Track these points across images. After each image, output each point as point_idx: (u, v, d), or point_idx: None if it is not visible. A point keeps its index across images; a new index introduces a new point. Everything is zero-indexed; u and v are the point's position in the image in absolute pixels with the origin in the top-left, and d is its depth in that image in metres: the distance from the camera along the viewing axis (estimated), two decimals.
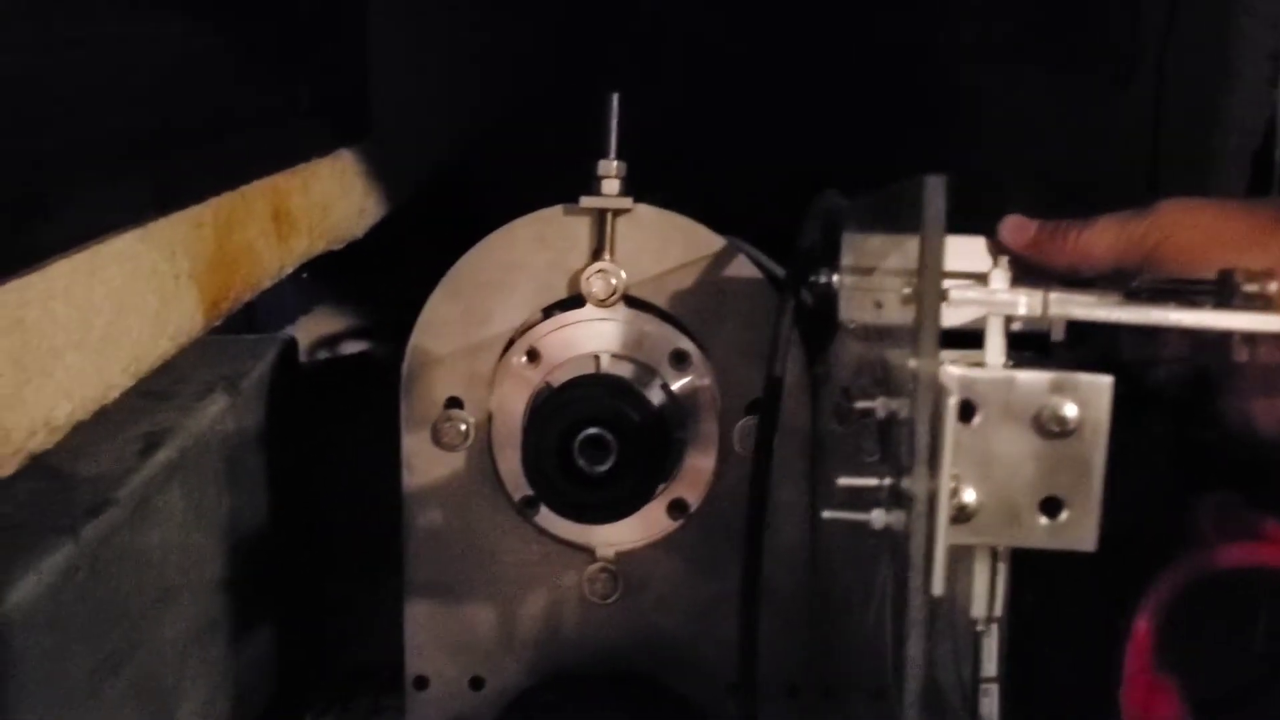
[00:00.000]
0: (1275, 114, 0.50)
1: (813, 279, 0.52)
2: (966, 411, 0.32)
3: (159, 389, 0.77)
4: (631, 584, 0.64)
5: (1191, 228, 0.45)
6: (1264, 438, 0.43)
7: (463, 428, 0.63)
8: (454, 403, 0.64)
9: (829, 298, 0.51)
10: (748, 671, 0.53)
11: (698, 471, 0.64)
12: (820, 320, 0.57)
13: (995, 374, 0.33)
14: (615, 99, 0.61)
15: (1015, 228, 0.48)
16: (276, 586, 0.83)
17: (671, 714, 0.63)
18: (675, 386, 0.63)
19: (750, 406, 0.63)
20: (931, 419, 0.30)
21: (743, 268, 0.62)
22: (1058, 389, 0.32)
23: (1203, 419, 0.44)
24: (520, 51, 1.14)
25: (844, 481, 0.35)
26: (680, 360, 0.63)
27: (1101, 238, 0.46)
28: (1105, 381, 0.33)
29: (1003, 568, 0.37)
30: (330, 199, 0.87)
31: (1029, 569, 0.44)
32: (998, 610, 0.36)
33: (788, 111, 1.01)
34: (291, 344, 0.89)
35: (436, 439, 0.63)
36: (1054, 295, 0.37)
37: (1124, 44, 0.87)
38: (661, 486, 0.64)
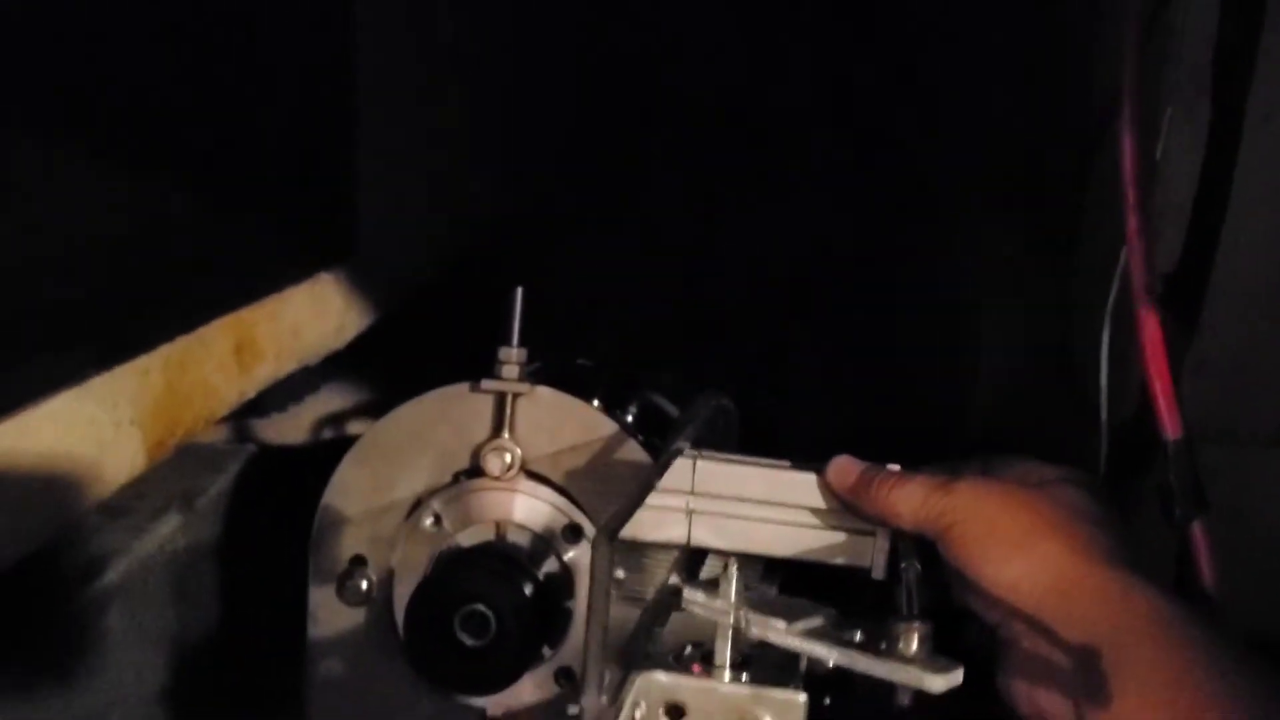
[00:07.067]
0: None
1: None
2: (677, 713, 0.35)
3: (113, 504, 0.81)
4: None
5: (976, 520, 0.47)
6: (1024, 715, 0.45)
7: (364, 585, 0.67)
8: (358, 560, 0.67)
9: None
10: None
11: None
12: None
13: (701, 683, 0.35)
14: (519, 293, 0.65)
15: (839, 471, 0.51)
16: (225, 696, 0.87)
17: None
18: (568, 557, 0.66)
19: None
20: None
21: (632, 452, 0.65)
22: (756, 700, 0.35)
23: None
24: (517, 167, 1.18)
25: None
26: (574, 533, 0.66)
27: (906, 504, 0.48)
28: (799, 699, 0.35)
29: None
30: (302, 323, 0.91)
31: None
32: None
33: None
34: (254, 457, 0.93)
35: (340, 594, 0.67)
36: (753, 615, 0.40)
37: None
38: (550, 652, 0.67)
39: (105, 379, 0.68)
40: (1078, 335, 0.65)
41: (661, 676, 0.34)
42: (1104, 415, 0.51)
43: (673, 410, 0.73)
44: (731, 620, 0.39)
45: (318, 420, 1.37)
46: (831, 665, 0.38)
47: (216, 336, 0.80)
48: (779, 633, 0.39)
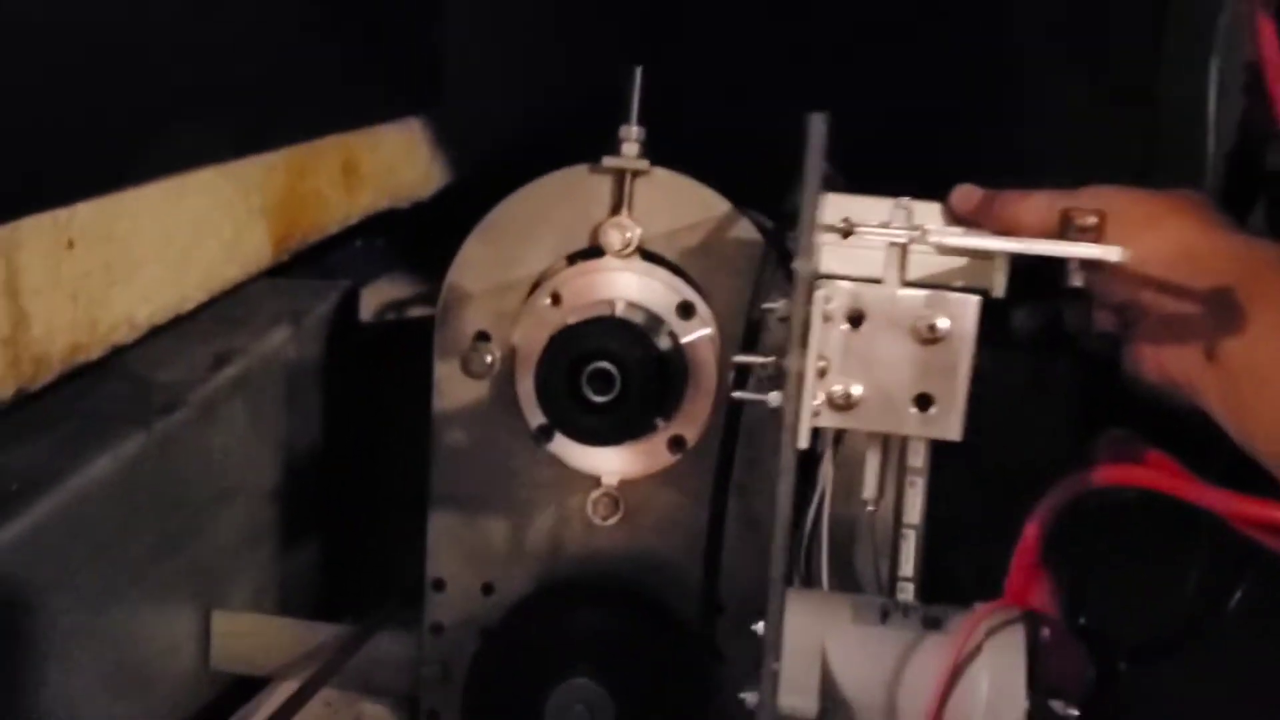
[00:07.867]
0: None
1: (790, 236, 0.59)
2: (856, 319, 0.38)
3: (232, 316, 0.86)
4: (631, 509, 0.71)
5: (1105, 211, 0.50)
6: (1150, 384, 0.49)
7: (488, 359, 0.71)
8: (482, 336, 0.71)
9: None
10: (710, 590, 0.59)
11: (697, 411, 0.70)
12: None
13: (881, 290, 0.39)
14: (638, 72, 0.68)
15: (963, 196, 0.55)
16: (327, 503, 0.92)
17: (655, 625, 0.70)
18: (680, 334, 0.70)
19: None
20: (802, 308, 0.37)
21: (745, 230, 0.69)
22: (932, 304, 0.38)
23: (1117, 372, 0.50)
24: (597, 33, 1.20)
25: (739, 359, 0.42)
26: (686, 311, 0.70)
27: (1031, 213, 0.51)
28: (973, 300, 0.39)
29: (894, 459, 0.43)
30: (397, 160, 0.96)
31: (949, 491, 0.51)
32: (888, 493, 0.43)
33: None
34: (352, 290, 0.97)
35: (465, 367, 0.71)
36: (929, 227, 0.43)
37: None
38: (663, 423, 0.70)
39: (240, 165, 0.72)
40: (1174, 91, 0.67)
41: (844, 282, 0.38)
42: (1210, 148, 0.55)
43: None
44: (907, 237, 0.42)
45: (382, 305, 1.40)
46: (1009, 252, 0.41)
47: (328, 151, 0.84)
48: (955, 235, 0.43)
